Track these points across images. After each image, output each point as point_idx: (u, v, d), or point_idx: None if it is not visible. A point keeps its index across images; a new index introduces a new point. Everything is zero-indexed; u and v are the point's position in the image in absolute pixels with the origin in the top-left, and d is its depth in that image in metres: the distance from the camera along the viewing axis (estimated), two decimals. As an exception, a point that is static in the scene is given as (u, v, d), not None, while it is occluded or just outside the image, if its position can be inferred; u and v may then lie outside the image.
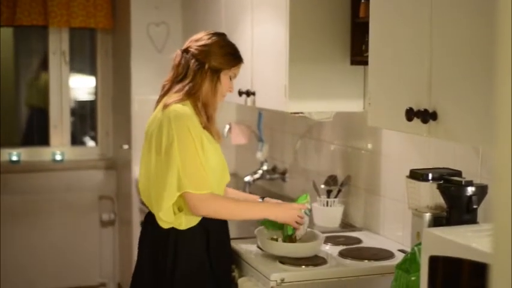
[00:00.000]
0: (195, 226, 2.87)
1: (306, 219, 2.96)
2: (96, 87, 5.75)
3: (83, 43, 5.91)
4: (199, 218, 2.86)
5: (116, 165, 5.65)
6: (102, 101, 5.72)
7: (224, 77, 2.94)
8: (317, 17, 3.32)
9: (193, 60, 2.92)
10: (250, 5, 3.75)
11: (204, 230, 2.89)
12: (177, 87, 2.91)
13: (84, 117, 6.02)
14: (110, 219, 5.66)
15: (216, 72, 2.92)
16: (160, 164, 2.82)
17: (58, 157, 5.55)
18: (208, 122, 2.89)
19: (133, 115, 5.13)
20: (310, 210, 3.05)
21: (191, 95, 2.87)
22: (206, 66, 2.90)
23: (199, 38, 2.97)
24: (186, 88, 2.88)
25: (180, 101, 2.85)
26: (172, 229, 2.86)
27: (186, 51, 2.96)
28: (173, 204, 2.82)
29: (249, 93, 3.74)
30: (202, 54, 2.92)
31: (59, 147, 5.61)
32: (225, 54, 2.94)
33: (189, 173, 2.77)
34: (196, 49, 2.93)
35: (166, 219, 2.83)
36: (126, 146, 5.19)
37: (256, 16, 3.68)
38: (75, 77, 5.77)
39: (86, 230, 5.61)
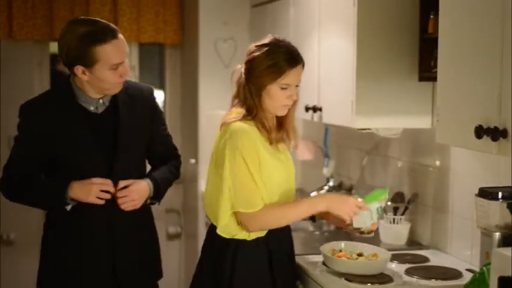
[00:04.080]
0: (257, 239, 2.86)
1: (374, 213, 2.92)
2: (165, 101, 5.83)
3: (152, 58, 6.00)
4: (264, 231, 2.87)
5: (183, 179, 5.70)
6: (170, 115, 5.78)
7: (272, 90, 2.81)
8: (385, 33, 3.30)
9: (242, 79, 2.86)
10: (318, 20, 3.75)
11: (265, 243, 2.87)
12: (237, 104, 2.89)
13: (152, 131, 6.10)
14: (177, 232, 5.71)
15: (258, 90, 2.81)
16: (218, 181, 2.82)
17: (126, 170, 5.62)
18: (270, 135, 2.84)
19: (200, 129, 5.19)
20: (383, 209, 2.98)
21: (250, 114, 2.83)
22: (249, 84, 2.83)
23: (247, 51, 2.89)
24: (244, 108, 2.84)
25: (241, 119, 2.82)
26: (233, 241, 2.86)
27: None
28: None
29: (315, 109, 3.74)
30: (246, 71, 2.85)
31: (128, 161, 5.68)
32: (264, 68, 2.79)
33: (239, 192, 2.77)
34: (244, 66, 2.87)
35: (225, 235, 2.85)
36: (193, 160, 5.24)
37: (324, 32, 3.68)
38: (144, 92, 5.85)
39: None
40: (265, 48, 2.82)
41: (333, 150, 4.50)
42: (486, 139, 2.27)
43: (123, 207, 2.93)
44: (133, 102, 2.99)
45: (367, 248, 3.06)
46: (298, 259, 3.15)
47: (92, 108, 2.92)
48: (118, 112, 2.95)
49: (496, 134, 2.23)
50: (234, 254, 2.85)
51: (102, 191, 2.87)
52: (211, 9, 5.18)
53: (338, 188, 4.36)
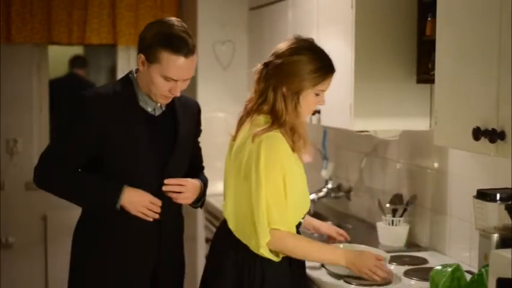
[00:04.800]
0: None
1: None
2: (163, 104, 5.83)
3: (150, 61, 6.00)
4: None
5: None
6: (168, 118, 5.78)
7: (308, 95, 2.73)
8: (383, 35, 3.31)
9: (271, 80, 2.72)
10: (316, 23, 3.76)
11: (288, 259, 2.80)
12: (262, 109, 2.76)
13: (151, 134, 6.09)
14: (175, 235, 5.70)
15: (295, 94, 2.71)
16: (248, 194, 2.71)
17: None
18: (295, 144, 2.74)
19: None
20: None
21: (277, 123, 2.70)
22: (284, 89, 2.70)
23: (281, 53, 2.74)
24: (271, 115, 2.72)
25: (269, 129, 2.70)
26: (259, 256, 2.74)
27: (266, 65, 2.77)
28: None
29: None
30: (280, 75, 2.70)
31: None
32: (306, 73, 2.70)
33: (275, 209, 2.68)
34: (275, 68, 2.73)
35: (268, 255, 2.73)
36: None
37: (322, 34, 3.68)
38: (142, 94, 5.86)
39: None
40: (307, 52, 2.74)
41: (332, 152, 4.50)
42: (484, 141, 2.28)
43: (177, 197, 2.90)
44: (185, 111, 2.98)
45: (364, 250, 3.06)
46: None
47: (149, 109, 2.89)
48: (176, 117, 2.94)
49: (493, 136, 2.24)
50: (262, 270, 2.75)
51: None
52: (209, 12, 5.19)
53: (337, 190, 4.37)
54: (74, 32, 5.32)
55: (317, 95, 2.76)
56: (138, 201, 2.82)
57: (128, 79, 2.92)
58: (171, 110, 2.94)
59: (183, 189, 2.92)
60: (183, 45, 2.75)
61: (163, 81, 2.78)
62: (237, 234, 2.79)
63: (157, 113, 2.91)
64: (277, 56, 2.75)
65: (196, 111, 3.09)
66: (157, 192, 2.88)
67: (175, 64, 2.74)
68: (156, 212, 2.86)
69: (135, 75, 2.91)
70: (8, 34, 5.24)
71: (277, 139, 2.69)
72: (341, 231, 3.18)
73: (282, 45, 2.78)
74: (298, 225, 2.88)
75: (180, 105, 2.97)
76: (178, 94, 2.83)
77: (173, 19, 2.86)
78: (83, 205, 2.97)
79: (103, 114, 2.81)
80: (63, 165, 2.85)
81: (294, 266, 2.82)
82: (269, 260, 2.74)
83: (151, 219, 2.85)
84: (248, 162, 2.72)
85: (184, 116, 2.98)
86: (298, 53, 2.73)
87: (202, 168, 3.22)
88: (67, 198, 2.93)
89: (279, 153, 2.69)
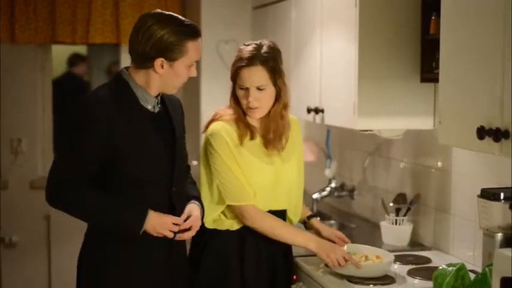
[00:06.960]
0: (231, 231, 3.01)
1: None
2: (167, 103, 5.83)
3: (154, 60, 6.00)
4: (240, 226, 3.00)
5: (185, 181, 5.69)
6: (172, 117, 5.78)
7: (235, 90, 3.01)
8: (387, 34, 3.30)
9: None
10: (320, 22, 3.75)
11: (239, 239, 3.00)
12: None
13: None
14: (179, 234, 5.71)
15: (233, 84, 3.02)
16: (204, 179, 3.05)
17: (129, 172, 5.62)
18: (245, 134, 2.98)
19: (202, 131, 5.18)
20: None
21: (233, 113, 3.02)
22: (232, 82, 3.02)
23: None
24: (225, 107, 3.07)
25: (223, 119, 3.02)
26: (208, 230, 2.99)
27: None
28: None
29: (317, 111, 3.74)
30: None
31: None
32: (232, 65, 3.01)
33: (226, 187, 2.95)
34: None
35: (209, 226, 3.00)
36: (195, 162, 5.24)
37: (326, 33, 3.68)
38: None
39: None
40: (241, 47, 3.05)
41: (335, 151, 4.50)
42: (488, 140, 2.27)
43: (188, 235, 2.83)
44: (172, 106, 2.90)
45: (368, 250, 3.05)
46: (301, 260, 3.16)
47: (149, 107, 2.77)
48: (168, 113, 2.86)
49: (497, 135, 2.23)
50: (205, 242, 3.00)
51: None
52: (213, 11, 5.19)
53: (340, 189, 4.36)
54: (78, 32, 5.31)
55: (242, 89, 2.98)
56: (160, 224, 2.72)
57: (121, 80, 2.77)
58: (163, 105, 2.85)
59: (193, 222, 2.83)
60: (195, 27, 2.77)
61: (187, 70, 2.76)
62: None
63: (156, 109, 2.80)
64: None
65: (180, 105, 3.01)
66: (169, 193, 2.80)
67: (198, 47, 2.76)
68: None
69: (126, 73, 2.77)
70: (12, 34, 5.24)
71: (217, 128, 2.99)
72: (341, 235, 3.17)
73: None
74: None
75: (166, 100, 2.88)
76: (196, 74, 2.82)
77: (157, 12, 2.80)
78: (102, 226, 2.79)
79: (110, 117, 2.66)
80: (77, 179, 2.68)
81: (248, 251, 3.00)
82: (214, 234, 3.00)
83: (171, 237, 2.76)
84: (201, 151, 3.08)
85: (173, 111, 2.90)
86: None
87: (188, 168, 3.11)
88: (85, 219, 2.79)
89: (215, 140, 2.98)
